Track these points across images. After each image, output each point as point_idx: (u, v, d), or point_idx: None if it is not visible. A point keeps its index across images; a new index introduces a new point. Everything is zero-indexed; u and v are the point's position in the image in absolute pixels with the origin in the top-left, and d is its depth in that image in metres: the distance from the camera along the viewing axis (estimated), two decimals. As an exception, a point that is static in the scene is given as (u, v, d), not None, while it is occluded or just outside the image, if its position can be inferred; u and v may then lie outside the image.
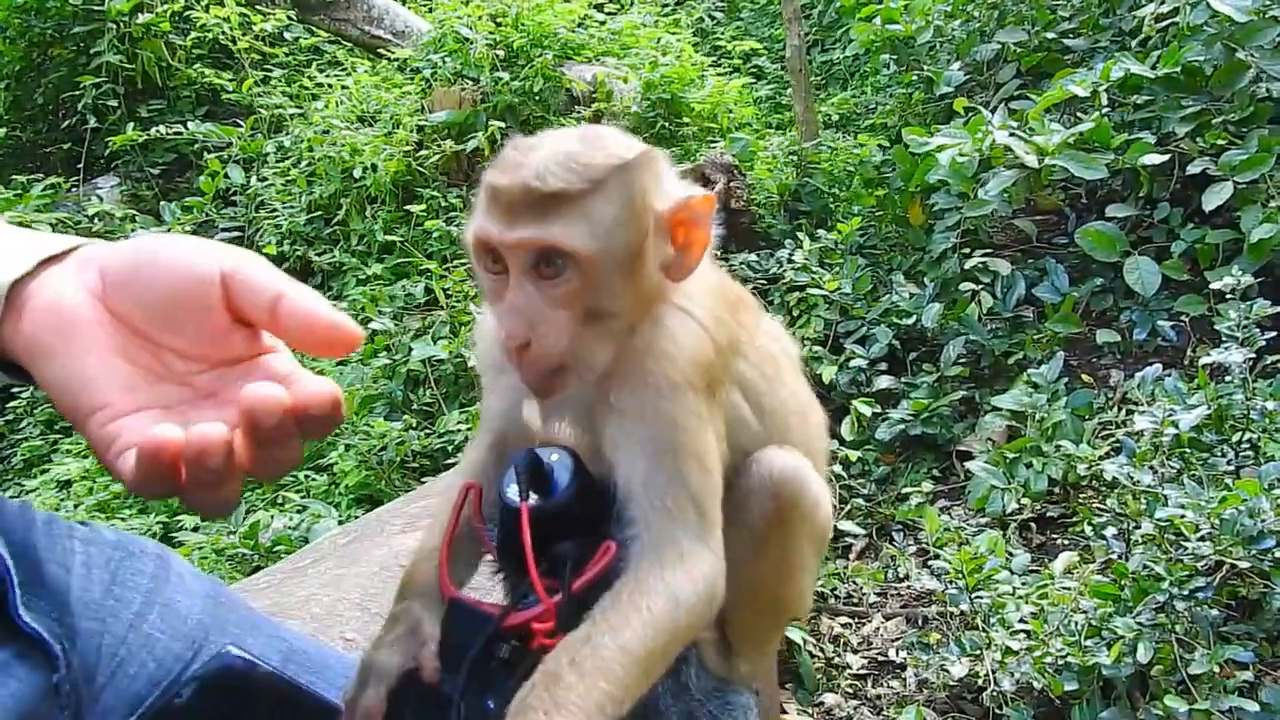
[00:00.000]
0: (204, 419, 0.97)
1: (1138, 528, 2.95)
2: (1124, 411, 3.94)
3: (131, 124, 7.37)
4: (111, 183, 7.86)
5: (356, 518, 3.85)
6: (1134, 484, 3.05)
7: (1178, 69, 4.46)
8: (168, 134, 7.19)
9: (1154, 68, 4.50)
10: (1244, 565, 2.71)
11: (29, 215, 6.67)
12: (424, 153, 6.54)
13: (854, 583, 3.58)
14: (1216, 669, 2.60)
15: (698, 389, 1.33)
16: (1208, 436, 3.18)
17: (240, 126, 7.31)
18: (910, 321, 4.55)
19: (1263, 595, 2.79)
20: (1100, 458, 3.54)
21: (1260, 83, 4.39)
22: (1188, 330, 4.27)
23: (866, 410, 4.13)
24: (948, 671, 2.93)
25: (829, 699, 3.09)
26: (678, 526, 1.28)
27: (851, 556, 3.80)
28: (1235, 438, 3.13)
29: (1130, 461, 3.10)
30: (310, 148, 6.85)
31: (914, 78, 6.37)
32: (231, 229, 6.93)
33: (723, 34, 9.12)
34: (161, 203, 7.31)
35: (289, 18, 8.07)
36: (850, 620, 3.45)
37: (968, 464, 3.94)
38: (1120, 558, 2.94)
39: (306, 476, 4.98)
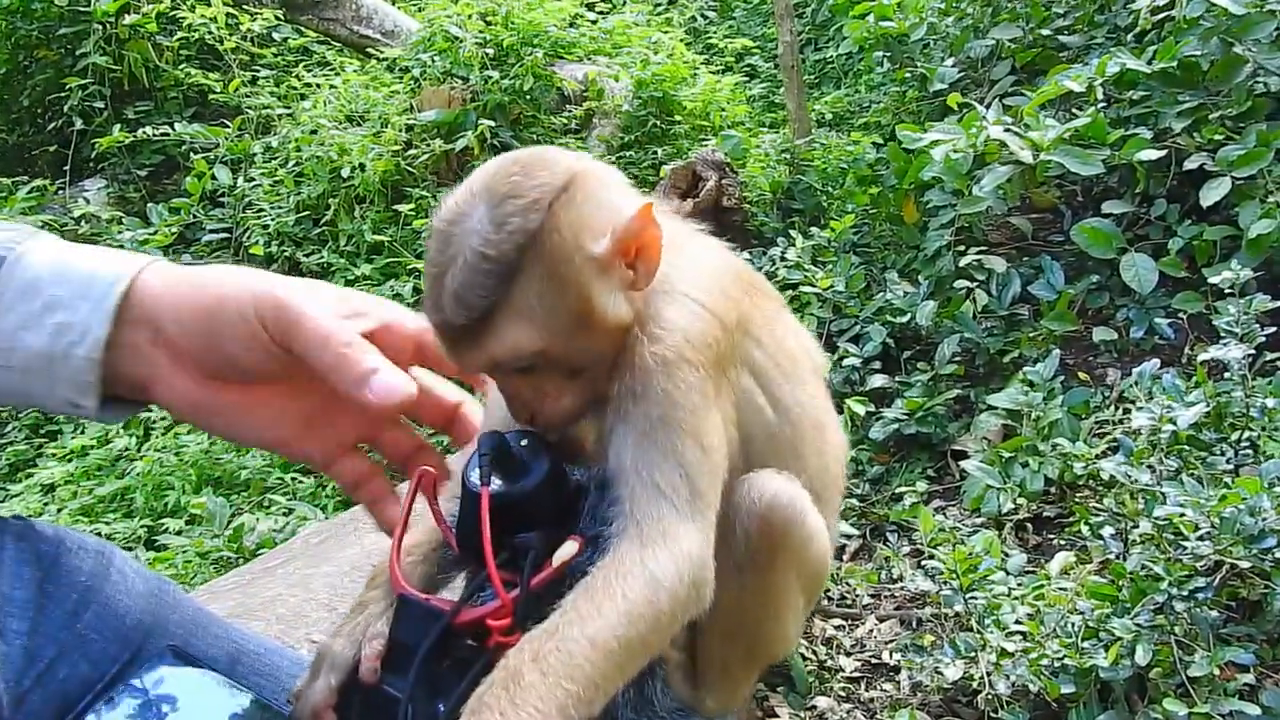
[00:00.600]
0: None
1: (1135, 527, 2.88)
2: (1121, 410, 3.88)
3: (118, 125, 7.30)
4: (98, 185, 7.81)
5: (341, 521, 3.78)
6: (1131, 483, 2.99)
7: (1174, 64, 4.41)
8: (155, 135, 7.12)
9: (1150, 63, 4.45)
10: (1244, 565, 2.65)
11: (15, 218, 6.59)
12: (413, 152, 6.49)
13: (847, 584, 3.51)
14: (1216, 671, 2.53)
15: (698, 365, 1.26)
16: (1206, 434, 3.12)
17: (228, 127, 7.24)
18: (904, 320, 4.49)
19: (1264, 596, 2.73)
20: (1097, 456, 3.48)
21: (1258, 77, 4.33)
22: (1185, 328, 4.21)
23: (860, 409, 4.07)
24: (942, 674, 2.86)
25: (821, 702, 3.02)
26: (665, 503, 1.19)
27: (845, 558, 3.73)
28: (1234, 436, 3.07)
29: (1128, 460, 3.04)
30: (298, 148, 6.79)
31: (907, 75, 6.32)
32: (219, 230, 6.88)
33: (715, 33, 9.07)
34: (149, 204, 7.24)
35: (277, 18, 8.01)
36: (843, 622, 3.39)
37: (963, 463, 3.88)
38: (1118, 558, 2.88)
39: (293, 479, 4.92)
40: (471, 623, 1.07)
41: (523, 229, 1.19)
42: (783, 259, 4.88)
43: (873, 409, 4.17)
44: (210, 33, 7.61)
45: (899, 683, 3.08)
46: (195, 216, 6.95)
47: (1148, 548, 2.78)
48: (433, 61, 7.00)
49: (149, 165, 7.83)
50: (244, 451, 5.15)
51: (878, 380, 4.32)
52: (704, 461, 1.23)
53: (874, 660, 3.22)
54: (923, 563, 3.29)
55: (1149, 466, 3.00)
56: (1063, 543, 3.49)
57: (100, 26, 7.73)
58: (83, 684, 1.15)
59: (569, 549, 1.14)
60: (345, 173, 6.45)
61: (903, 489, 3.93)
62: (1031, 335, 4.32)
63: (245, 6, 7.89)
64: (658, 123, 6.63)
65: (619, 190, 1.32)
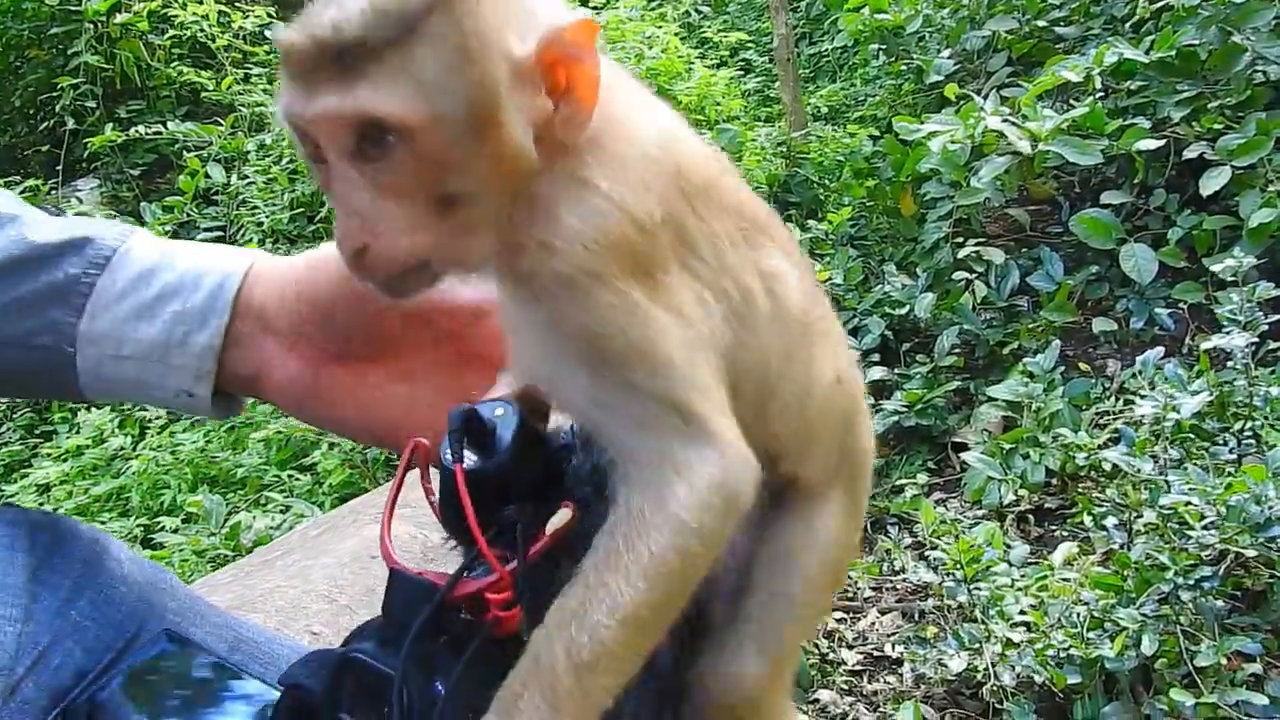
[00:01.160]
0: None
1: (1139, 517, 2.86)
2: (1121, 401, 3.86)
3: (110, 125, 7.26)
4: (91, 184, 7.77)
5: (339, 517, 3.75)
6: (1135, 472, 2.97)
7: (1172, 53, 4.39)
8: (147, 134, 7.07)
9: (1148, 52, 4.43)
10: (1250, 554, 2.63)
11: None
12: (407, 146, 6.45)
13: (849, 577, 3.49)
14: (1223, 661, 2.51)
15: (617, 275, 0.99)
16: (1210, 424, 3.10)
17: (221, 125, 7.20)
18: (903, 312, 4.47)
19: (1269, 585, 2.72)
20: (1099, 447, 3.46)
21: (1257, 65, 4.31)
22: (1185, 318, 4.20)
23: (859, 402, 4.05)
24: (946, 666, 2.84)
25: (824, 695, 3.00)
26: (654, 437, 1.00)
27: (845, 551, 3.71)
28: (1238, 425, 3.05)
29: (1131, 450, 3.02)
30: (291, 145, 6.75)
31: (903, 68, 6.30)
32: (213, 228, 6.84)
33: (709, 27, 9.03)
34: (142, 203, 7.20)
35: (269, 15, 7.96)
36: (845, 615, 3.37)
37: (963, 455, 3.86)
38: (1122, 548, 2.86)
39: (290, 476, 4.89)
40: (468, 596, 1.02)
41: None
42: (780, 252, 4.85)
43: (872, 401, 4.15)
44: (202, 31, 7.56)
45: (902, 675, 3.07)
46: (189, 215, 6.91)
47: (1152, 537, 2.76)
48: (427, 56, 6.96)
49: (142, 164, 7.79)
50: (240, 449, 5.13)
51: (877, 373, 4.30)
52: (670, 378, 1.00)
53: (876, 653, 3.20)
54: (924, 554, 3.28)
55: (1152, 456, 2.98)
56: (1065, 534, 3.47)
57: (92, 26, 7.68)
58: (77, 672, 1.13)
59: (563, 515, 1.07)
60: (339, 169, 6.42)
61: (903, 481, 3.91)
62: (1031, 326, 4.30)
63: (237, 4, 7.86)
64: (653, 118, 6.60)
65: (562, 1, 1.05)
